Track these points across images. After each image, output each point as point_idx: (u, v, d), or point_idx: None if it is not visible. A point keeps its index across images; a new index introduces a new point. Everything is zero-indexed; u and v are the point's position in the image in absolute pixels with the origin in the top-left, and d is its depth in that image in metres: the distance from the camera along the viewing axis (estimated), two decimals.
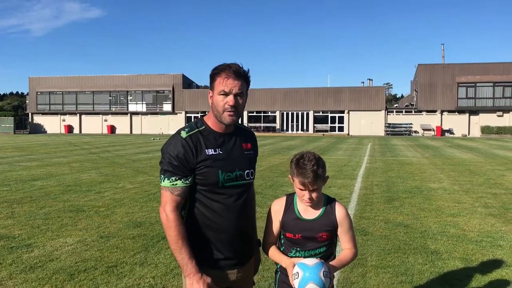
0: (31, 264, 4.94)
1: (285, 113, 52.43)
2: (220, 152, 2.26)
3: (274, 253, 2.44)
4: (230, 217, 2.28)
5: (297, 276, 2.18)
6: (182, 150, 2.18)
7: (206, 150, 2.23)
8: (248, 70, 2.29)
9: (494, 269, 4.88)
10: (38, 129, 58.23)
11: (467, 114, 47.90)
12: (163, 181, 2.21)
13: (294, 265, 2.25)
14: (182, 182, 2.20)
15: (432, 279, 4.60)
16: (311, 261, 2.22)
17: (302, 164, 2.29)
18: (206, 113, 2.38)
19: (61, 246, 5.64)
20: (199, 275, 2.15)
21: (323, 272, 2.17)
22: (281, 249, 2.46)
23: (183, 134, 2.24)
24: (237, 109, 2.23)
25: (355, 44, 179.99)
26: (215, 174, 2.22)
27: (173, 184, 2.19)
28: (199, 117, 2.43)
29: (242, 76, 2.23)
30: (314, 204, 2.36)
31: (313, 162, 2.29)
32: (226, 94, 2.20)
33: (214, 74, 2.25)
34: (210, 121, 2.32)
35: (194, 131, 2.26)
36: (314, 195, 2.30)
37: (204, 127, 2.30)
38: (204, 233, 2.27)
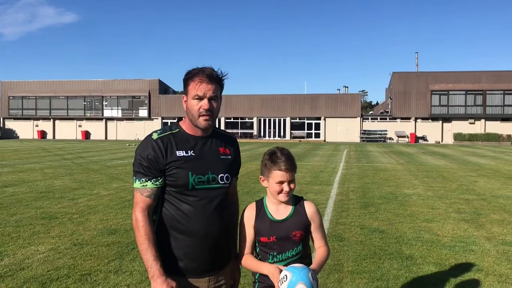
0: (1, 273, 4.80)
1: (262, 119, 52.53)
2: (193, 153, 2.25)
3: (251, 261, 2.40)
4: (201, 220, 2.24)
5: (285, 279, 2.16)
6: (152, 151, 2.18)
7: (177, 152, 2.22)
8: (222, 73, 2.27)
9: (467, 273, 4.97)
10: (10, 135, 56.86)
11: (440, 122, 48.86)
12: (135, 182, 2.22)
13: (280, 271, 2.23)
14: (152, 183, 2.19)
15: (407, 284, 4.66)
16: (298, 265, 2.23)
17: (277, 156, 2.34)
18: (183, 119, 2.38)
19: (33, 254, 5.51)
20: (163, 278, 2.12)
21: (311, 273, 2.18)
22: (258, 259, 2.43)
23: (154, 136, 2.24)
24: (212, 113, 2.22)
25: (331, 52, 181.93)
26: (185, 176, 2.20)
27: (143, 185, 2.19)
28: (173, 123, 2.41)
29: (215, 79, 2.22)
30: (289, 197, 2.38)
31: (286, 151, 2.38)
32: (200, 98, 2.20)
33: (188, 79, 2.23)
34: (185, 125, 2.31)
35: (166, 133, 2.26)
36: (292, 185, 2.35)
37: (178, 130, 2.30)
38: (175, 236, 2.24)
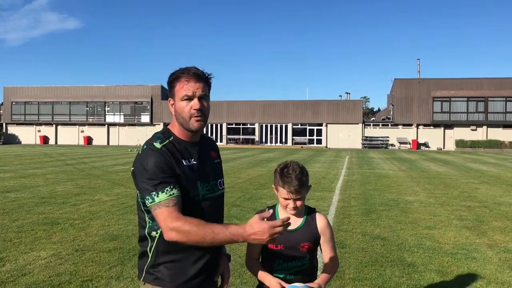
0: (2, 279, 4.80)
1: (264, 125, 52.59)
2: (194, 162, 2.11)
3: (258, 270, 2.41)
4: None
5: None
6: (163, 159, 1.99)
7: (183, 161, 2.07)
8: (207, 73, 2.14)
9: (469, 282, 4.95)
10: (12, 140, 57.00)
11: (442, 128, 48.85)
12: (157, 197, 1.93)
13: (282, 287, 2.23)
14: (177, 190, 1.98)
15: None
16: (300, 285, 2.21)
17: (287, 173, 2.31)
18: (171, 124, 2.23)
19: (34, 260, 5.51)
20: (256, 219, 1.88)
21: None
22: (263, 264, 2.43)
23: (157, 145, 2.04)
24: (203, 113, 2.09)
25: (332, 58, 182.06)
26: (195, 186, 2.06)
27: (170, 195, 1.94)
28: (163, 128, 2.29)
29: (202, 78, 2.10)
30: (298, 212, 2.37)
31: (298, 171, 2.33)
32: (189, 98, 2.06)
33: (173, 80, 2.10)
34: (175, 130, 2.15)
35: (167, 141, 2.08)
36: (298, 203, 2.33)
37: (173, 137, 2.13)
38: (184, 253, 2.06)
